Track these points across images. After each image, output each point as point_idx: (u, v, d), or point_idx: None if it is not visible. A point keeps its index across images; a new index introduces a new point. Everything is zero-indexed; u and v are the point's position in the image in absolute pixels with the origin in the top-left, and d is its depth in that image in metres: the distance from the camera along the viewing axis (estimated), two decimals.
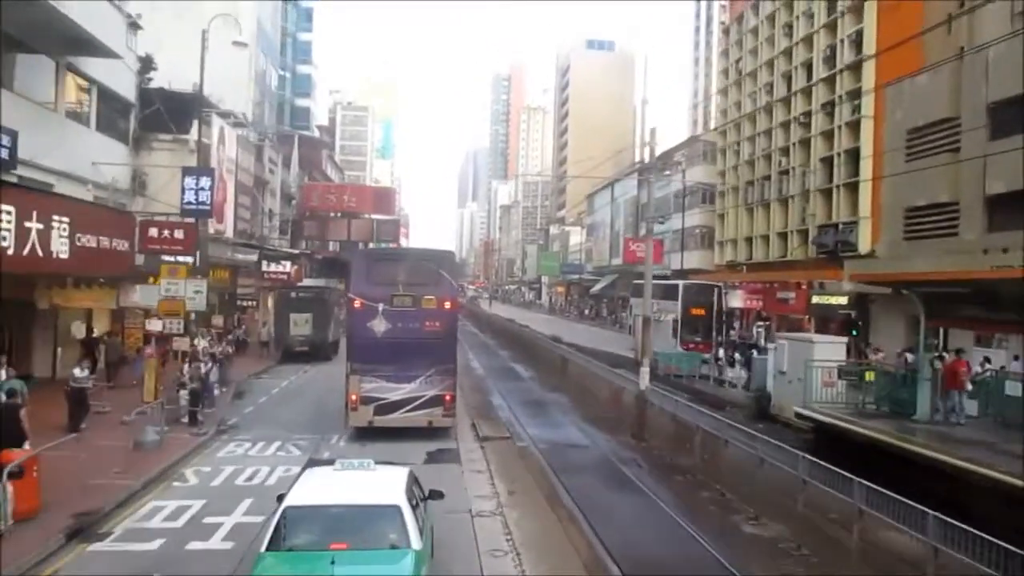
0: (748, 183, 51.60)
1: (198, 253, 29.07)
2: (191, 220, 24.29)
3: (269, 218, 45.37)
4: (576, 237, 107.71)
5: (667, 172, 61.85)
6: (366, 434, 19.00)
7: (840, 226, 39.83)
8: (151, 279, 24.57)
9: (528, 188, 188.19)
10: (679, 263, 59.09)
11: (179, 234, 23.05)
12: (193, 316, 28.13)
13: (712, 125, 79.65)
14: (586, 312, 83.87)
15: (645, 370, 24.53)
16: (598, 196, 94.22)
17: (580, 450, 21.38)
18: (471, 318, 75.56)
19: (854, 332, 33.44)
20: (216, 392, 22.04)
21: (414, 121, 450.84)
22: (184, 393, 19.11)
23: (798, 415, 19.80)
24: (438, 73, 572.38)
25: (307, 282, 51.47)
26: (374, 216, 47.72)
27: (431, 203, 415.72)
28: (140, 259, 24.24)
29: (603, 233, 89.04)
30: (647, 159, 31.67)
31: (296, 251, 47.28)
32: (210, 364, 20.77)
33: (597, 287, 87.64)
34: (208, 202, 27.63)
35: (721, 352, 36.07)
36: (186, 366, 19.39)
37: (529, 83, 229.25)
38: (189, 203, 27.31)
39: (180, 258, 23.65)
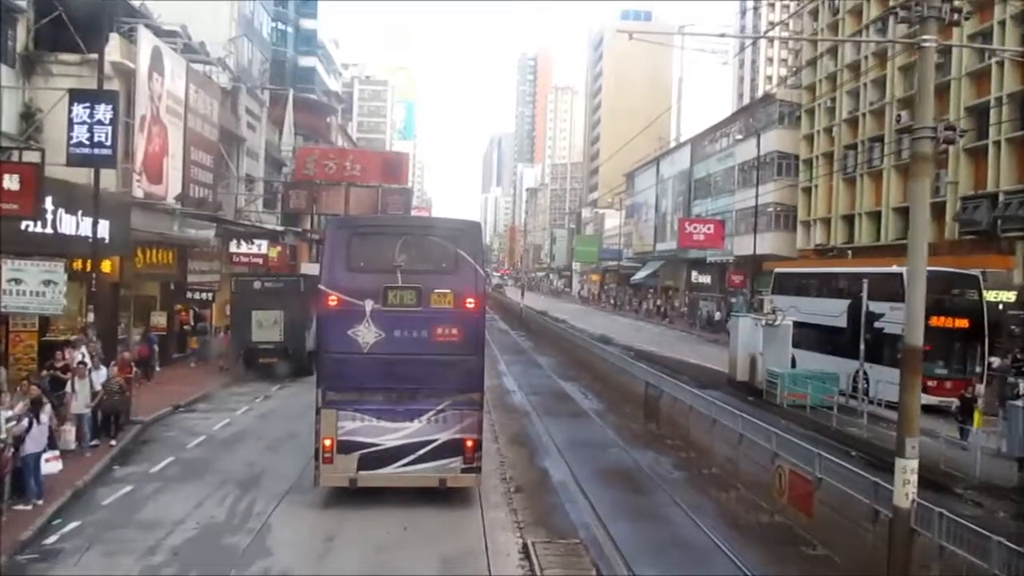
0: (848, 147, 41.39)
1: (108, 224, 19.87)
2: (33, 161, 14.53)
3: (247, 185, 35.76)
4: (612, 220, 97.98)
5: (739, 137, 51.71)
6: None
7: (1001, 196, 29.88)
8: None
9: (556, 170, 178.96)
10: (747, 248, 49.10)
11: (11, 183, 13.32)
12: (90, 319, 18.91)
13: (760, 95, 69.93)
14: (636, 303, 73.84)
15: (910, 465, 10.32)
16: (640, 175, 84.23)
17: None
18: (498, 309, 65.55)
19: None
20: (55, 466, 12.14)
21: (437, 106, 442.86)
22: None
23: None
24: (461, 58, 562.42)
25: (304, 269, 42.07)
26: (378, 185, 37.86)
27: (454, 189, 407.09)
28: None
29: (646, 215, 79.16)
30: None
31: (280, 228, 37.53)
32: (27, 419, 11.01)
33: (639, 275, 78.28)
34: (108, 143, 18.48)
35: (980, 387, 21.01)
36: None
37: (557, 64, 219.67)
38: (79, 143, 18.25)
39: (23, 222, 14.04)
